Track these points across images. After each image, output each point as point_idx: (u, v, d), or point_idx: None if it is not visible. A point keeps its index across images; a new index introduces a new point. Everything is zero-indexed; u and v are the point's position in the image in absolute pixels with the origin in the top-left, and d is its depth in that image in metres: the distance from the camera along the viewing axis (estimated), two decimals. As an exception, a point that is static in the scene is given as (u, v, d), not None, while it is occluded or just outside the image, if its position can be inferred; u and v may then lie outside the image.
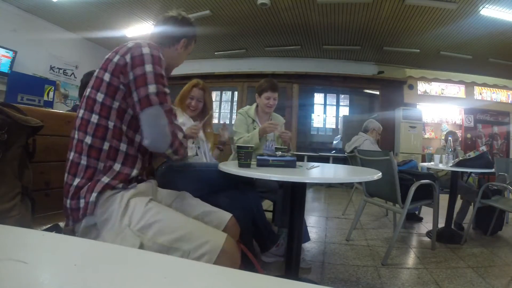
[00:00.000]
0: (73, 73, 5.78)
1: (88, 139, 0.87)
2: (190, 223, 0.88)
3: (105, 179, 0.86)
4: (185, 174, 1.45)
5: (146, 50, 0.89)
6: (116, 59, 0.88)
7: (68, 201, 0.86)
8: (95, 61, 6.20)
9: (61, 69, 5.57)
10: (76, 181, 0.87)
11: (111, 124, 0.88)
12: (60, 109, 4.98)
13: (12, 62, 4.61)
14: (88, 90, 0.91)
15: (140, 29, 5.30)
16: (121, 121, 0.89)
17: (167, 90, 0.91)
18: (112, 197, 0.86)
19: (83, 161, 0.87)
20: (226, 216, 1.08)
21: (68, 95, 5.65)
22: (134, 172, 0.93)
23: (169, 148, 0.89)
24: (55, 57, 5.43)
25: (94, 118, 0.87)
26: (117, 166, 0.89)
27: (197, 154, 1.62)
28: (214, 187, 1.47)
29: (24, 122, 0.86)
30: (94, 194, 0.84)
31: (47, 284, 0.31)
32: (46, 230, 0.99)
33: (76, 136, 0.89)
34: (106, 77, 0.88)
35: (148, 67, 0.87)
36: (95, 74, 0.92)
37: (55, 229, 1.00)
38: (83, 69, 5.56)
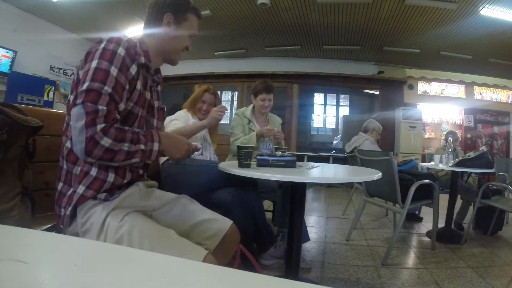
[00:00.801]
0: (73, 73, 5.77)
1: (68, 143, 0.85)
2: (167, 239, 0.82)
3: (80, 189, 0.84)
4: (189, 170, 1.46)
5: (101, 45, 0.81)
6: (83, 57, 0.84)
7: (56, 206, 0.87)
8: (95, 61, 6.26)
9: (61, 69, 5.57)
10: (60, 185, 0.87)
11: None
12: (60, 109, 4.98)
13: (12, 62, 4.61)
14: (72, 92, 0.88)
15: (140, 29, 5.29)
16: None
17: (106, 89, 0.77)
18: (93, 209, 0.84)
19: (64, 166, 0.87)
20: (226, 223, 1.03)
21: (68, 95, 5.65)
22: (112, 177, 0.87)
23: (85, 155, 0.75)
24: (55, 57, 5.43)
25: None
26: (93, 171, 0.85)
27: (201, 154, 1.64)
28: (217, 184, 1.48)
29: (24, 122, 0.86)
30: (69, 208, 0.83)
31: (47, 284, 0.31)
32: (46, 230, 0.99)
33: (63, 141, 0.88)
34: (76, 77, 0.84)
35: (94, 63, 0.79)
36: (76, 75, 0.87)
37: (55, 229, 0.99)
38: (83, 69, 5.56)
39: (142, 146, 0.82)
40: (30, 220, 0.88)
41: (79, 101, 0.75)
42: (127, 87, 0.85)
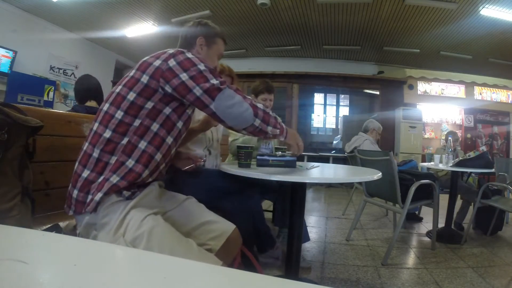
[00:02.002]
0: (73, 73, 5.78)
1: (108, 133, 0.88)
2: (181, 245, 0.85)
3: (114, 179, 0.86)
4: (188, 179, 1.41)
5: (189, 55, 0.94)
6: (157, 63, 0.91)
7: (76, 191, 0.87)
8: (95, 61, 6.24)
9: (61, 69, 5.57)
10: (86, 172, 0.87)
11: (137, 122, 0.89)
12: (60, 109, 4.98)
13: (12, 62, 4.61)
14: (118, 87, 0.92)
15: (140, 29, 5.30)
16: (152, 120, 0.90)
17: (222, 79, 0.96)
18: (116, 204, 0.86)
19: (95, 154, 0.88)
20: (229, 227, 1.05)
21: (68, 95, 5.65)
22: (146, 173, 0.91)
23: (255, 117, 0.95)
24: (55, 57, 5.43)
25: (119, 114, 0.88)
26: (130, 163, 0.88)
27: (204, 163, 1.58)
28: (216, 192, 1.43)
29: (24, 122, 0.86)
30: (99, 194, 0.84)
31: (47, 284, 0.31)
32: (46, 230, 0.99)
33: (95, 128, 0.90)
34: (144, 79, 0.90)
35: (201, 66, 0.92)
36: (131, 74, 0.93)
37: (55, 229, 0.99)
38: (83, 69, 5.57)
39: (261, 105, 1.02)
40: (30, 220, 0.88)
41: (223, 87, 0.92)
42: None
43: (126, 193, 0.88)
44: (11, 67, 4.59)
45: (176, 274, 0.34)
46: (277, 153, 1.43)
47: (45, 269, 0.35)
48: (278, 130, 1.04)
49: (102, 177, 0.86)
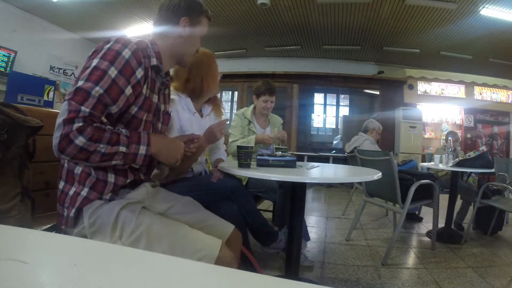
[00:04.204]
0: (73, 73, 5.77)
1: None
2: (183, 233, 0.84)
3: (84, 191, 0.83)
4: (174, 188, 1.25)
5: (107, 45, 0.81)
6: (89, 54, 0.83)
7: (57, 204, 0.86)
8: (95, 61, 6.25)
9: (61, 69, 5.57)
10: (61, 184, 0.86)
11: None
12: (60, 109, 4.98)
13: (12, 62, 4.61)
14: None
15: (140, 29, 5.29)
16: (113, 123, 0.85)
17: (97, 90, 0.75)
18: (100, 209, 0.83)
19: (65, 164, 0.86)
20: (229, 227, 1.04)
21: (68, 95, 5.65)
22: (111, 177, 0.85)
23: (58, 152, 0.72)
24: (55, 57, 5.43)
25: None
26: (93, 172, 0.84)
27: (192, 170, 1.46)
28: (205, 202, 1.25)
29: (24, 122, 0.86)
30: (72, 210, 0.82)
31: (47, 284, 0.31)
32: (46, 230, 0.99)
33: None
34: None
35: (94, 62, 0.78)
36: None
37: (55, 229, 0.99)
38: (83, 69, 5.56)
39: (123, 148, 0.78)
40: (30, 220, 0.88)
41: (67, 97, 0.74)
42: (129, 91, 0.82)
43: (106, 196, 0.85)
44: (11, 67, 4.59)
45: (176, 274, 0.34)
46: (277, 153, 1.43)
47: (45, 269, 0.35)
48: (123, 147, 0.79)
49: (73, 190, 0.84)
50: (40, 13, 4.90)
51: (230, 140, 2.04)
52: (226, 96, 7.75)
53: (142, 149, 0.81)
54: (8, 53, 4.55)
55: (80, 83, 0.75)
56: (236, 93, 6.86)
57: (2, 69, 4.49)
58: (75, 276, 0.32)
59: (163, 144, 0.88)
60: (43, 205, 1.01)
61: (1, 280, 0.29)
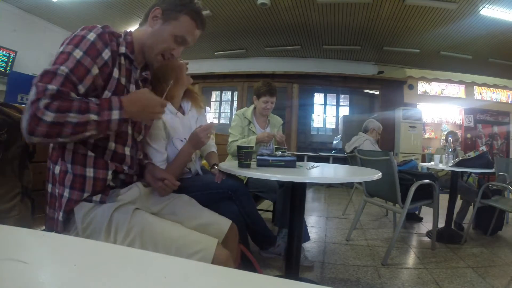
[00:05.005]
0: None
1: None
2: (178, 234, 0.83)
3: (66, 192, 0.82)
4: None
5: (76, 32, 0.81)
6: None
7: (47, 207, 0.87)
8: (95, 61, 6.25)
9: (61, 69, 5.57)
10: (49, 187, 0.87)
11: None
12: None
13: (12, 62, 4.61)
14: None
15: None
16: None
17: (63, 69, 0.72)
18: (92, 213, 0.83)
19: (50, 165, 0.87)
20: (225, 224, 1.02)
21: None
22: (89, 171, 0.83)
23: (28, 135, 0.69)
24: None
25: None
26: (69, 168, 0.82)
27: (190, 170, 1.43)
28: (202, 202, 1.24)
29: (24, 122, 0.86)
30: (61, 213, 0.82)
31: (47, 284, 0.31)
32: (46, 230, 0.99)
33: None
34: None
35: (61, 48, 0.78)
36: None
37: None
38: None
39: (94, 116, 0.73)
40: (30, 220, 0.88)
41: (34, 82, 0.70)
42: (95, 71, 0.79)
43: (96, 197, 0.84)
44: (11, 67, 4.59)
45: (176, 274, 0.34)
46: (277, 153, 1.43)
47: (45, 269, 0.35)
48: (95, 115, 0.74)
49: (57, 192, 0.83)
50: (40, 13, 4.90)
51: (230, 140, 2.04)
52: (226, 96, 7.76)
53: (115, 114, 0.76)
54: (8, 53, 4.56)
55: (47, 68, 0.73)
56: (236, 93, 6.87)
57: (2, 69, 4.49)
58: (75, 276, 0.32)
59: (138, 104, 0.82)
60: (43, 205, 1.01)
61: (1, 280, 0.29)
